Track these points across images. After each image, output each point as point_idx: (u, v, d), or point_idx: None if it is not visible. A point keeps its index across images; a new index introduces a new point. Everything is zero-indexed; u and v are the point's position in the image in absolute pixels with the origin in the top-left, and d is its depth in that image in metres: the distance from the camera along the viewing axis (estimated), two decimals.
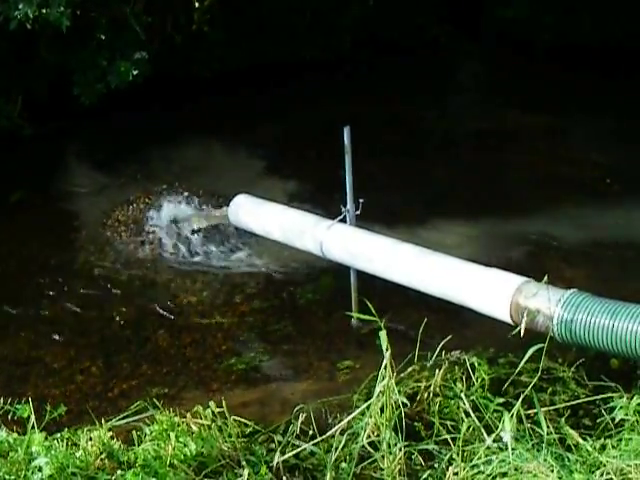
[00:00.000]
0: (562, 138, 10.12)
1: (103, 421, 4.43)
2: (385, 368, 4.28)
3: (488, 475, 3.87)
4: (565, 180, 8.84)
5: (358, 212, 5.97)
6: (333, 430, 4.36)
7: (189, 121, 10.78)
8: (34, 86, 10.42)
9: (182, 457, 4.08)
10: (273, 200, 7.03)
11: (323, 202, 7.73)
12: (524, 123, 10.72)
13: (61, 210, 8.65)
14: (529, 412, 4.25)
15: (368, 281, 6.06)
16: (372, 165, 9.04)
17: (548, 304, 4.67)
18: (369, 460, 4.17)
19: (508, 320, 4.93)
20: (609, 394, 4.55)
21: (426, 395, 4.67)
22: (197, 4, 10.38)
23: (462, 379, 4.72)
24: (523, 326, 4.58)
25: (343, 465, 4.16)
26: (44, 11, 8.32)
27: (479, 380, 4.69)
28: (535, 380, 4.42)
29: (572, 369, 5.10)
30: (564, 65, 12.87)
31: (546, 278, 4.77)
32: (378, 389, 4.28)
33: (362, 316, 4.78)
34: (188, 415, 4.45)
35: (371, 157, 9.11)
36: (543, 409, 4.30)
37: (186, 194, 8.11)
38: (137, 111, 10.71)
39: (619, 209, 7.96)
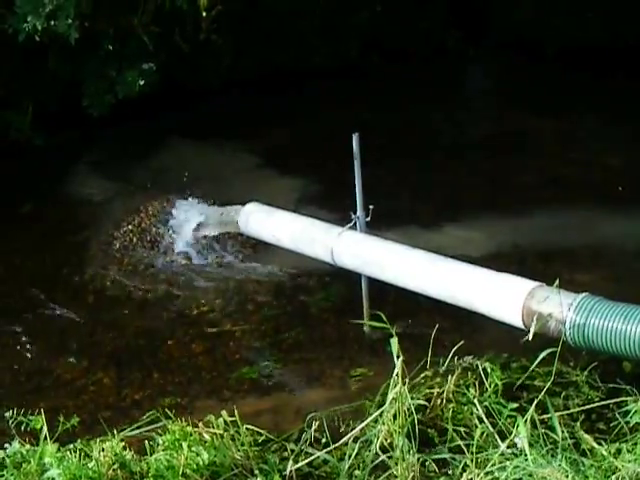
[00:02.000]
0: (571, 141, 10.08)
1: (115, 431, 4.43)
2: (397, 375, 4.27)
3: None
4: (575, 183, 8.80)
5: (368, 219, 5.96)
6: (346, 438, 4.35)
7: (199, 129, 10.78)
8: (44, 97, 10.46)
9: (195, 467, 4.07)
10: (283, 207, 7.03)
11: (333, 208, 7.73)
12: (532, 126, 10.69)
13: (72, 219, 8.67)
14: (543, 417, 4.24)
15: (380, 288, 6.05)
16: (381, 170, 9.02)
17: (560, 308, 4.66)
18: (383, 468, 4.15)
19: (520, 325, 4.91)
20: (623, 398, 4.54)
21: (439, 401, 4.65)
22: (204, 13, 10.38)
23: (475, 385, 4.69)
24: (533, 330, 4.58)
25: (356, 473, 4.15)
26: (52, 23, 8.36)
27: (492, 385, 4.67)
28: (548, 384, 4.42)
29: (585, 373, 5.07)
30: (572, 67, 12.82)
31: (557, 282, 4.75)
32: (391, 396, 4.27)
33: (374, 323, 4.78)
34: (200, 424, 4.44)
35: (380, 162, 9.09)
36: (557, 414, 4.29)
37: (197, 202, 8.10)
38: (146, 120, 10.74)
39: (629, 211, 7.92)
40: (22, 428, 4.21)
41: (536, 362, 4.50)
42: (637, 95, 11.16)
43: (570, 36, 13.66)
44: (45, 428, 4.11)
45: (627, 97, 11.23)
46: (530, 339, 4.65)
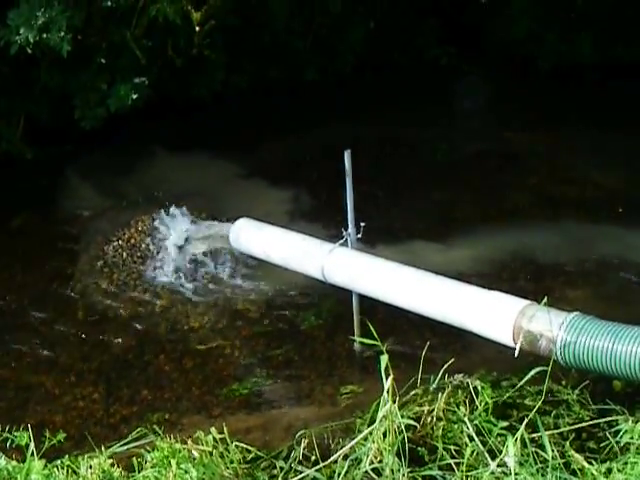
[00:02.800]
0: (563, 159, 10.10)
1: (104, 448, 4.39)
2: (387, 392, 4.25)
3: None
4: (566, 201, 8.82)
5: (359, 235, 5.95)
6: (336, 456, 4.32)
7: (191, 143, 10.77)
8: (35, 110, 10.44)
9: None
10: (274, 222, 7.02)
11: (324, 224, 7.75)
12: (525, 143, 10.71)
13: (62, 234, 8.62)
14: (533, 436, 4.22)
15: (370, 304, 6.04)
16: (373, 186, 9.06)
17: (551, 327, 4.65)
18: None
19: (511, 344, 4.90)
20: (614, 417, 4.52)
21: (429, 419, 4.63)
22: (197, 28, 10.40)
23: (465, 403, 4.67)
24: (518, 346, 4.57)
25: None
26: (45, 36, 8.35)
27: (482, 404, 4.64)
28: (539, 403, 4.40)
29: (576, 391, 5.06)
30: (565, 84, 12.87)
31: (546, 300, 4.75)
32: (381, 414, 4.25)
33: (364, 340, 4.76)
34: (189, 441, 4.41)
35: (372, 178, 9.11)
36: (547, 432, 4.27)
37: (188, 216, 8.08)
38: (138, 134, 10.73)
39: (621, 229, 7.93)
40: (8, 444, 4.17)
41: (524, 379, 4.50)
42: (630, 112, 11.19)
43: (563, 53, 13.72)
44: (32, 444, 4.07)
45: (620, 114, 11.27)
46: (517, 356, 4.63)
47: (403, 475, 4.08)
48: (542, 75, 13.44)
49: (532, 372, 4.39)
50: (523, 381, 4.46)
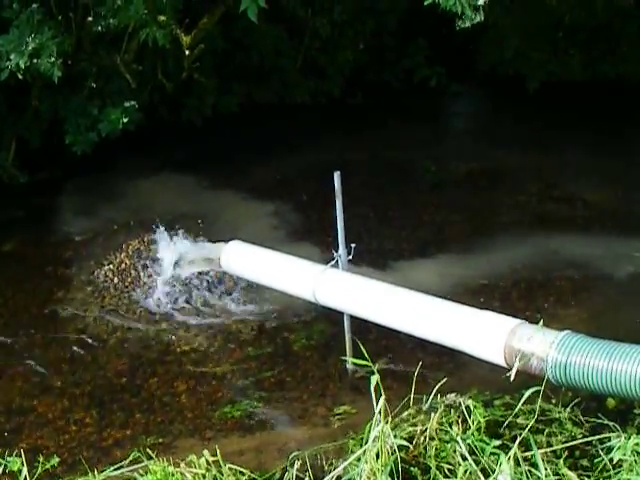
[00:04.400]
0: (552, 177, 10.15)
1: (97, 472, 4.39)
2: (380, 413, 4.26)
3: None
4: (556, 220, 8.86)
5: (350, 257, 5.96)
6: (329, 477, 4.32)
7: (181, 166, 10.81)
8: (27, 134, 10.47)
9: None
10: (264, 243, 7.03)
11: (315, 245, 7.77)
12: (514, 163, 10.75)
13: (53, 258, 8.62)
14: (526, 454, 4.22)
15: (362, 325, 6.05)
16: (363, 207, 9.10)
17: (542, 347, 4.66)
18: None
19: (503, 364, 4.91)
20: (606, 434, 4.53)
21: (422, 439, 4.62)
22: (187, 52, 10.45)
23: (458, 422, 4.67)
24: (515, 370, 4.57)
25: None
26: (35, 61, 8.38)
27: (475, 423, 4.64)
28: (531, 422, 4.41)
29: (568, 409, 5.06)
30: (554, 104, 12.95)
31: (537, 319, 4.77)
32: (373, 434, 4.25)
33: (356, 361, 4.76)
34: (182, 464, 4.41)
35: (362, 198, 9.15)
36: (540, 451, 4.27)
37: (179, 239, 8.08)
38: (129, 158, 10.76)
39: (610, 247, 7.97)
40: (1, 470, 4.17)
41: (522, 401, 4.49)
42: (618, 130, 11.26)
43: (552, 71, 13.82)
44: (25, 469, 4.07)
45: (608, 132, 11.34)
46: (512, 379, 4.64)
47: None
48: (531, 93, 13.52)
49: (528, 393, 4.40)
50: (521, 402, 4.46)
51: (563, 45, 14.02)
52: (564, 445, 4.61)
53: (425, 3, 6.91)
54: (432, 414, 4.71)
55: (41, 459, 4.32)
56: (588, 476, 4.29)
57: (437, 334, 5.38)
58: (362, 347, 4.58)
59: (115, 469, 4.51)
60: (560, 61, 13.91)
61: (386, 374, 4.51)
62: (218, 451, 4.46)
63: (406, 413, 4.83)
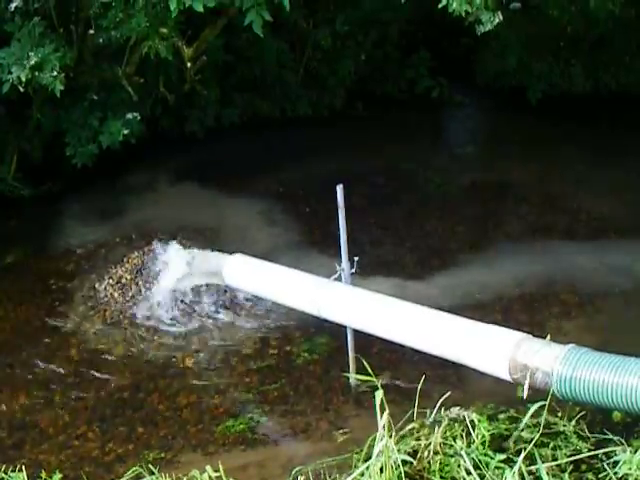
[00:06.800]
0: (555, 189, 10.12)
1: None
2: (383, 427, 4.23)
3: None
4: (560, 230, 8.84)
5: (353, 270, 5.93)
6: None
7: (183, 178, 10.81)
8: (28, 147, 10.47)
9: None
10: (267, 256, 7.01)
11: (318, 257, 7.74)
12: (517, 173, 10.73)
13: (56, 271, 8.60)
14: (531, 468, 4.19)
15: (365, 338, 6.01)
16: (366, 218, 9.07)
17: (546, 361, 4.63)
18: None
19: (507, 378, 4.88)
20: (612, 448, 4.50)
21: (426, 453, 4.59)
22: (189, 64, 10.44)
23: (462, 436, 4.65)
24: (526, 388, 4.54)
25: None
26: (37, 74, 8.37)
27: (479, 437, 4.62)
28: (537, 436, 4.38)
29: (573, 423, 5.03)
30: (556, 114, 12.92)
31: (542, 333, 4.74)
32: (377, 449, 4.22)
33: (359, 376, 4.74)
34: (185, 479, 4.39)
35: (365, 210, 9.12)
36: (545, 465, 4.25)
37: (181, 252, 8.06)
38: (131, 170, 10.76)
39: (614, 258, 7.94)
40: None
41: (527, 416, 4.47)
42: (620, 142, 11.24)
43: (554, 83, 13.80)
44: None
45: (611, 143, 11.32)
46: (525, 397, 4.61)
47: None
48: (533, 105, 13.50)
49: (534, 407, 4.37)
50: (527, 417, 4.44)
51: (565, 56, 14.00)
52: (569, 459, 4.59)
53: (439, 6, 6.98)
54: (436, 428, 4.68)
55: (43, 474, 4.30)
56: None
57: (441, 348, 5.36)
58: (365, 362, 4.55)
59: None
60: (562, 72, 13.89)
61: (389, 387, 4.49)
62: (221, 466, 4.43)
63: (410, 427, 4.80)
